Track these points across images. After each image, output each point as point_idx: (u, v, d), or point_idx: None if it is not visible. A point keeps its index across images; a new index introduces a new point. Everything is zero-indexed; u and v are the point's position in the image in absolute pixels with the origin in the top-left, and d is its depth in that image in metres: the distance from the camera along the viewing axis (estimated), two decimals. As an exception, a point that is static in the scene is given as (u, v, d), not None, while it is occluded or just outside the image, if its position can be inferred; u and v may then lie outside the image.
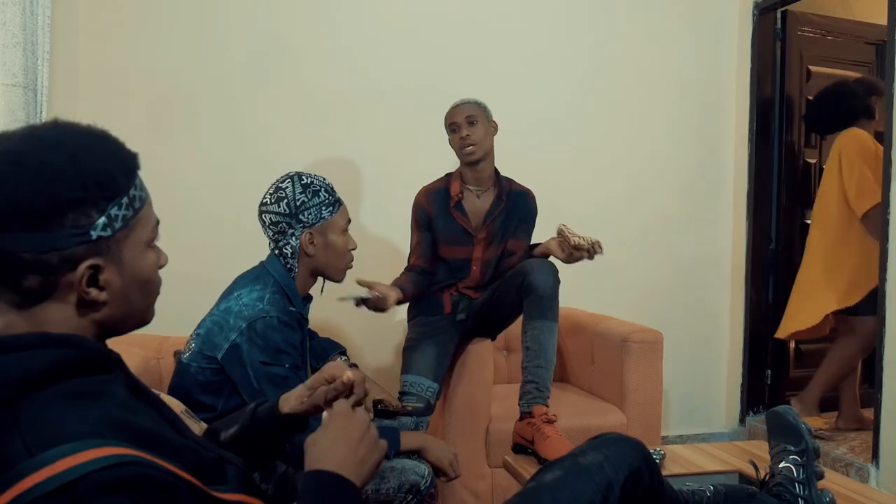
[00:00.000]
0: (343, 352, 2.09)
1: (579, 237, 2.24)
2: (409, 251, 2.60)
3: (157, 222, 0.92)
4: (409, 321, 2.60)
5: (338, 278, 1.82)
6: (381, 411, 1.97)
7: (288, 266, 1.73)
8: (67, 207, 0.78)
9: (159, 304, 0.95)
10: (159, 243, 0.94)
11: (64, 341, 0.80)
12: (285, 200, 1.70)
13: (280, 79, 2.95)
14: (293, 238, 1.71)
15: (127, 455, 0.71)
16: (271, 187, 1.75)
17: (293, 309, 1.69)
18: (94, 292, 0.82)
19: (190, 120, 2.86)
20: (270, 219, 1.72)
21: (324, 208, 1.73)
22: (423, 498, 1.69)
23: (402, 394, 2.33)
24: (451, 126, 2.47)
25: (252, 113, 2.91)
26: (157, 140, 2.81)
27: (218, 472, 0.89)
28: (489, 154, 2.49)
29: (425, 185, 2.58)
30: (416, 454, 1.78)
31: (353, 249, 1.82)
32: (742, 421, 3.55)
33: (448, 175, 2.59)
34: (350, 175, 3.03)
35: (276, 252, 1.74)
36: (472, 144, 2.43)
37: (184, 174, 2.85)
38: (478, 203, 2.53)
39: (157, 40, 2.81)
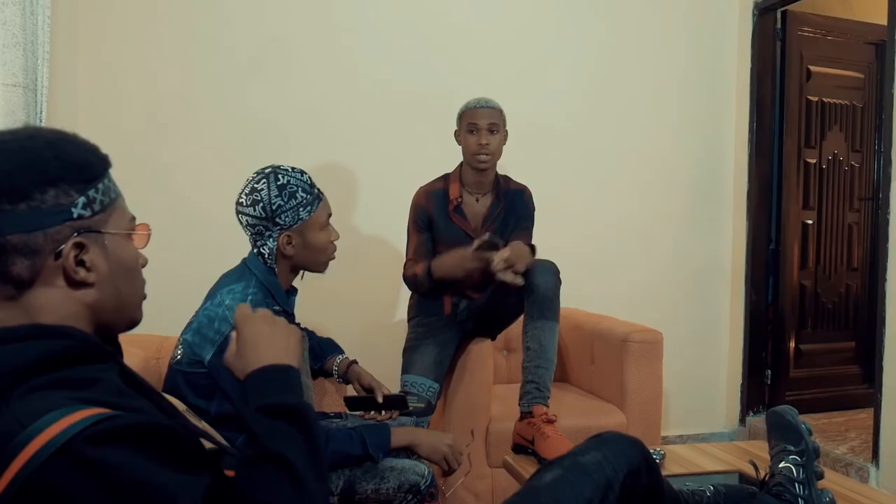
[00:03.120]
0: (341, 352, 2.08)
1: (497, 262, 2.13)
2: (406, 252, 2.58)
3: (133, 217, 0.93)
4: (409, 321, 2.60)
5: (320, 271, 1.79)
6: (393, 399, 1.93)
7: (269, 264, 1.70)
8: (48, 184, 0.82)
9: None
10: (153, 244, 0.95)
11: (57, 332, 0.81)
12: (261, 204, 1.65)
13: (279, 79, 2.94)
14: (270, 240, 1.68)
15: (115, 412, 0.74)
16: (247, 186, 1.69)
17: (277, 308, 1.67)
18: (81, 272, 0.84)
19: (189, 120, 2.85)
20: (247, 220, 1.68)
21: (301, 209, 1.67)
22: (423, 497, 1.69)
23: (405, 392, 2.32)
24: (471, 126, 2.43)
25: (251, 113, 2.91)
26: (156, 140, 2.81)
27: (215, 456, 0.90)
28: (496, 162, 2.50)
29: (423, 185, 2.57)
30: (408, 451, 1.78)
31: (336, 240, 1.78)
32: (742, 421, 3.55)
33: (446, 176, 2.57)
34: (348, 176, 3.03)
35: (255, 251, 1.71)
36: (488, 154, 2.42)
37: (183, 174, 2.85)
38: (477, 206, 2.53)
39: (157, 40, 2.81)
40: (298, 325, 1.99)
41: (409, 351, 2.46)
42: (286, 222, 1.66)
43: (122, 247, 0.89)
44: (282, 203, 1.65)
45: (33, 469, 0.69)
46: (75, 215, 0.83)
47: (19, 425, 0.71)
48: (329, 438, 1.63)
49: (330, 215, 1.77)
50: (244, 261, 1.74)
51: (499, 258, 2.10)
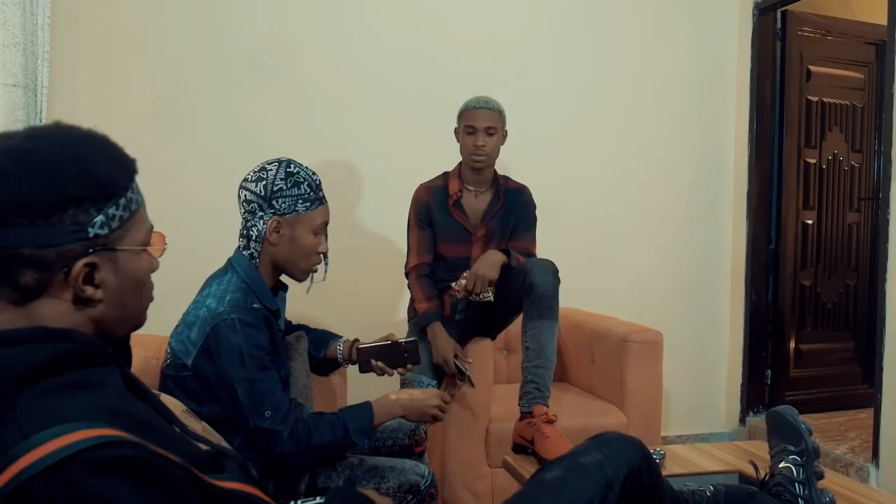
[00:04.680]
0: (339, 337, 2.04)
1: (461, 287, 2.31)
2: (407, 249, 2.58)
3: (151, 227, 0.92)
4: (408, 320, 2.60)
5: (299, 277, 1.74)
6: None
7: (250, 252, 1.67)
8: (69, 203, 0.80)
9: (160, 304, 0.95)
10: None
11: (61, 335, 0.81)
12: (264, 182, 1.65)
13: (280, 77, 2.94)
14: (261, 221, 1.66)
15: (118, 436, 0.72)
16: (258, 165, 1.70)
17: (257, 306, 1.62)
18: (89, 290, 0.83)
19: (190, 119, 2.86)
20: (246, 196, 1.67)
21: (300, 201, 1.66)
22: (423, 498, 1.69)
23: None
24: (469, 128, 2.46)
25: (252, 112, 2.91)
26: (157, 140, 2.81)
27: (214, 463, 0.90)
28: (494, 161, 2.53)
29: (423, 182, 2.60)
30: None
31: (324, 253, 1.73)
32: (742, 421, 3.55)
33: (446, 174, 2.60)
34: (350, 173, 3.03)
35: (243, 233, 1.69)
36: (484, 155, 2.45)
37: (184, 174, 2.85)
38: (476, 202, 2.55)
39: (158, 40, 2.81)
40: (289, 322, 1.98)
41: None
42: (281, 208, 1.65)
43: (135, 260, 0.88)
44: (283, 187, 1.65)
45: (22, 481, 0.67)
46: (91, 235, 0.82)
47: (21, 435, 0.70)
48: (311, 432, 1.59)
49: (326, 224, 1.73)
50: (229, 259, 1.72)
51: (458, 288, 2.29)
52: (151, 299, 0.95)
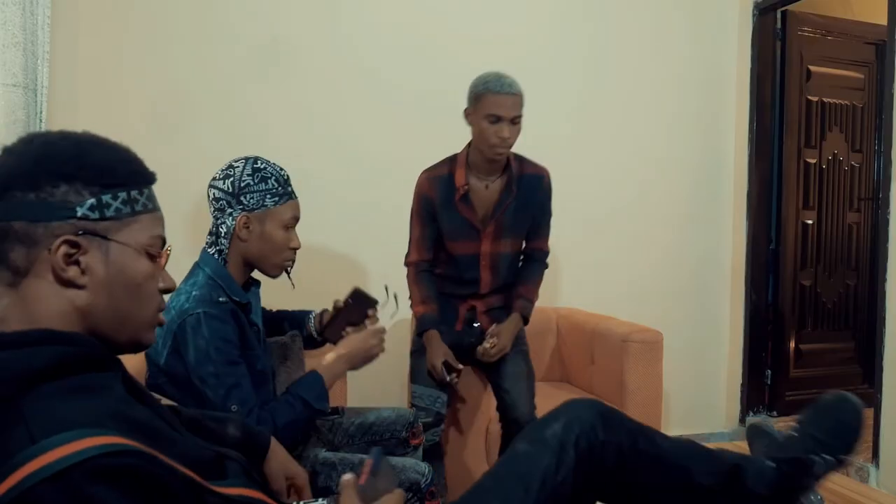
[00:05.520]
0: (309, 313, 2.00)
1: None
2: (409, 241, 2.44)
3: (161, 238, 0.92)
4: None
5: (271, 273, 1.73)
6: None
7: (219, 248, 1.67)
8: (61, 179, 0.82)
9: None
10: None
11: (66, 339, 0.81)
12: (231, 179, 1.66)
13: (280, 77, 2.95)
14: (230, 218, 1.66)
15: (125, 445, 0.72)
16: (226, 164, 1.71)
17: (223, 300, 1.60)
18: (72, 271, 0.83)
19: (190, 119, 2.85)
20: (214, 194, 1.69)
21: (268, 196, 1.66)
22: (424, 496, 1.69)
23: (413, 406, 2.27)
24: (492, 117, 2.13)
25: (252, 112, 2.91)
26: (157, 140, 2.81)
27: (217, 467, 0.90)
28: None
29: (426, 168, 2.36)
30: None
31: (295, 249, 1.71)
32: (742, 421, 3.55)
33: (452, 158, 2.33)
34: (350, 173, 3.03)
35: (212, 230, 1.69)
36: (508, 147, 2.19)
37: (185, 173, 2.84)
38: (486, 193, 2.29)
39: (158, 39, 2.81)
40: (268, 311, 1.95)
41: (416, 355, 2.37)
42: (250, 203, 1.65)
43: (131, 260, 0.87)
44: (251, 183, 1.65)
45: (28, 486, 0.68)
46: (79, 214, 0.82)
47: (29, 439, 0.70)
48: (274, 417, 1.55)
49: (296, 219, 1.72)
50: (196, 262, 1.71)
51: (482, 350, 2.27)
52: (159, 321, 0.93)
